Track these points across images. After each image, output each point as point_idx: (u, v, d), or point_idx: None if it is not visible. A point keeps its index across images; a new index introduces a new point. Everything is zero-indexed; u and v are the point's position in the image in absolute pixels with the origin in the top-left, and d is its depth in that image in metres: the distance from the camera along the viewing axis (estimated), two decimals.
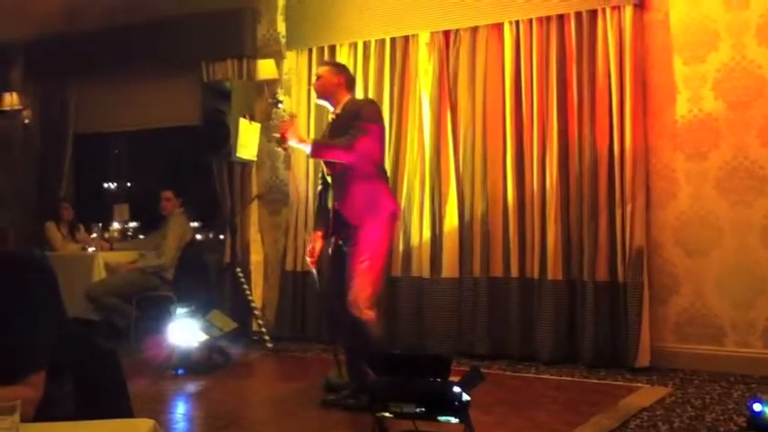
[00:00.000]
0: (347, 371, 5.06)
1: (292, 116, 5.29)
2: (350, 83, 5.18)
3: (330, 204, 5.02)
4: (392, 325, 6.81)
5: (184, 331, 6.16)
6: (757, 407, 4.22)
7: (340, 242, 5.02)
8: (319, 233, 5.19)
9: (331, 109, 5.12)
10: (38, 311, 2.28)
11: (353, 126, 4.85)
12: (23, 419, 1.89)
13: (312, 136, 7.25)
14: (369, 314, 4.79)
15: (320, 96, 5.17)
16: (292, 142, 4.97)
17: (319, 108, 7.33)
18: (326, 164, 5.07)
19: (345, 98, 5.06)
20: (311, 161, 7.32)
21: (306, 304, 7.38)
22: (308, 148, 4.97)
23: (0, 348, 2.18)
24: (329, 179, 5.04)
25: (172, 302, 6.94)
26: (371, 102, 5.28)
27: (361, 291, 4.78)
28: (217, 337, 6.28)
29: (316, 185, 7.30)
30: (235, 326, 6.46)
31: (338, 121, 5.04)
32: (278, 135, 5.04)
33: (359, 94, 7.03)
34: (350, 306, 4.77)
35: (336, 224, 4.98)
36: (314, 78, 5.36)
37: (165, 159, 9.83)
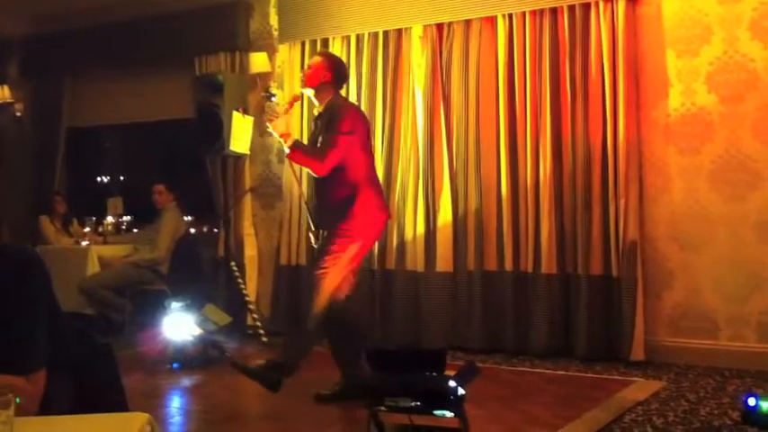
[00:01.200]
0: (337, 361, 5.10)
1: (286, 110, 5.26)
2: (338, 81, 5.08)
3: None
4: (387, 319, 6.84)
5: (179, 325, 6.15)
6: (752, 401, 4.23)
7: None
8: None
9: (316, 103, 5.09)
10: (34, 309, 2.28)
11: (325, 138, 4.87)
12: (27, 416, 1.89)
13: (306, 128, 7.29)
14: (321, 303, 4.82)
15: (305, 86, 5.10)
16: (274, 134, 5.01)
17: (311, 101, 7.32)
18: None
19: (329, 97, 5.01)
20: None
21: (300, 298, 7.36)
22: (286, 148, 4.97)
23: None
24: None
25: (166, 297, 6.93)
26: (347, 109, 5.09)
27: (329, 279, 4.83)
28: (211, 331, 6.27)
29: (309, 179, 7.32)
30: (229, 320, 6.45)
31: (318, 122, 5.07)
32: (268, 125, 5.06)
33: (352, 88, 7.05)
34: (313, 278, 4.83)
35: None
36: (306, 67, 5.30)
37: (159, 153, 9.81)
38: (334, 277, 4.83)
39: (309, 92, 5.07)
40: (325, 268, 4.81)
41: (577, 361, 6.03)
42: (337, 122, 4.87)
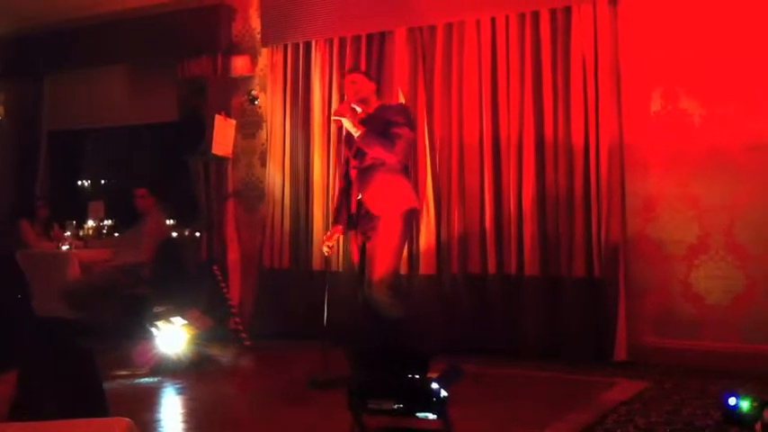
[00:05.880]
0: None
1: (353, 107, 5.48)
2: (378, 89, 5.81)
3: (353, 198, 5.37)
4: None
5: (162, 330, 6.12)
6: (732, 401, 4.25)
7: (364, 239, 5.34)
8: (339, 227, 5.69)
9: (358, 110, 5.44)
10: (5, 310, 2.27)
11: (390, 130, 5.26)
12: None
13: (288, 133, 7.31)
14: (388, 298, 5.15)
15: (356, 100, 5.49)
16: (346, 123, 5.34)
17: (294, 105, 7.34)
18: (355, 156, 5.37)
19: (376, 103, 5.57)
20: (287, 158, 7.38)
21: (283, 301, 7.36)
22: (357, 133, 5.28)
23: None
24: (352, 174, 5.38)
25: (149, 300, 6.90)
26: (405, 107, 5.77)
27: (382, 274, 5.16)
28: (194, 335, 6.24)
29: (295, 183, 7.32)
30: (212, 324, 6.44)
31: (369, 122, 5.37)
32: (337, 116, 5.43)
33: (335, 93, 7.06)
34: (373, 288, 5.16)
35: (359, 216, 5.32)
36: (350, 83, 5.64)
37: (141, 156, 9.79)
38: (387, 277, 5.24)
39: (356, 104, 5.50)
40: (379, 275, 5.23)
41: (561, 362, 6.03)
42: (400, 117, 5.37)
